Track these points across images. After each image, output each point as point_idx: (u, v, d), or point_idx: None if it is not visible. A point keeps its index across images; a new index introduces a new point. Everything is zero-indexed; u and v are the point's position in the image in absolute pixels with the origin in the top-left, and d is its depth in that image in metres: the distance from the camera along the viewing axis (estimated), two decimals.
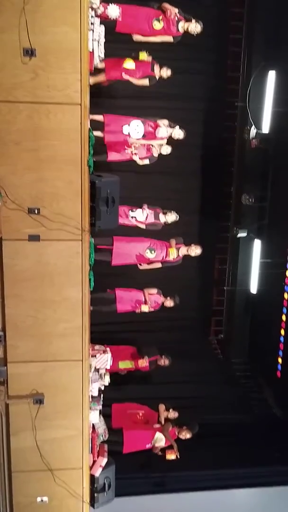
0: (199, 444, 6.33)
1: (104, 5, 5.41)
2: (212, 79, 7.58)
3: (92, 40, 5.19)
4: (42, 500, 5.08)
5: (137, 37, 5.77)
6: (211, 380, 7.85)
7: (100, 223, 4.85)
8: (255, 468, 6.45)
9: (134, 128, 6.08)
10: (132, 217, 6.25)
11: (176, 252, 6.34)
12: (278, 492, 6.29)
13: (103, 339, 5.95)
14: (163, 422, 6.24)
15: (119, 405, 6.43)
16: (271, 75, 6.94)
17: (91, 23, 5.05)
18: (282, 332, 7.36)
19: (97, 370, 5.40)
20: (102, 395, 5.58)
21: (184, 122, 6.49)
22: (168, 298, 6.50)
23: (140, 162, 6.32)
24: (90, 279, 4.92)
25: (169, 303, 6.50)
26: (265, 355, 7.84)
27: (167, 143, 6.32)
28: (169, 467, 6.14)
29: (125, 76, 5.90)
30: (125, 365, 6.36)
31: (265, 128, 7.12)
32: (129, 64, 5.86)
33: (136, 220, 6.28)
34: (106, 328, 6.86)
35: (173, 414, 6.29)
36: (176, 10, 5.66)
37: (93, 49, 5.24)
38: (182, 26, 5.75)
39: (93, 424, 5.43)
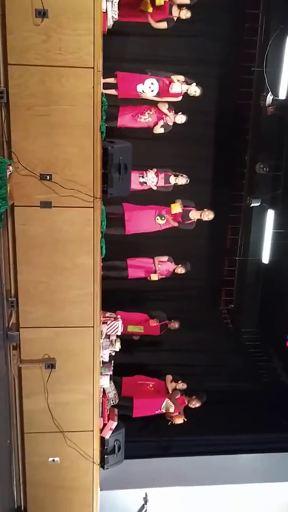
0: (206, 410, 6.43)
1: None
2: (227, 43, 7.32)
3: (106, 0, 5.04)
4: (53, 460, 5.23)
5: None
6: (220, 349, 7.88)
7: (112, 190, 4.84)
8: (262, 434, 6.57)
9: (149, 86, 5.91)
10: (143, 182, 6.20)
11: (179, 206, 6.30)
12: (285, 457, 6.43)
13: (114, 306, 6.00)
14: (170, 392, 6.34)
15: (129, 378, 6.50)
16: None
17: None
18: None
19: (108, 336, 5.46)
20: (112, 361, 5.66)
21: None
22: (180, 265, 6.55)
23: (155, 131, 6.21)
24: (102, 247, 4.92)
25: (181, 270, 6.56)
26: (275, 325, 7.85)
27: (182, 112, 6.16)
28: (176, 432, 6.28)
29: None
30: (135, 329, 6.44)
31: (282, 95, 6.91)
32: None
33: (146, 184, 6.24)
34: (117, 296, 6.90)
35: (181, 386, 6.39)
36: None
37: (106, 10, 5.09)
38: None
39: (103, 389, 5.54)
